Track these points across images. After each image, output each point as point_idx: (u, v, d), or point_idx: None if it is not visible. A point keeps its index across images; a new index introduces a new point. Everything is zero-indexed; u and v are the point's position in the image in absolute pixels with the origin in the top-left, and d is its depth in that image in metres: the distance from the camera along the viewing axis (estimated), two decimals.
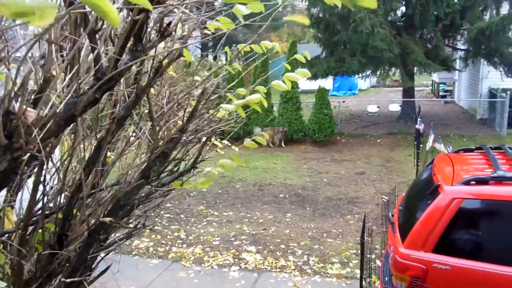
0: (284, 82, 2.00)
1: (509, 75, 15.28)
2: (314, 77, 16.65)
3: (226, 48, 2.78)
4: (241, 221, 8.44)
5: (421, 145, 10.42)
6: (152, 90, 2.29)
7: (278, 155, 13.89)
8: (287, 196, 9.90)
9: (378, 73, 17.60)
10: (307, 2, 15.99)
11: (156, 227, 8.21)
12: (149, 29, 1.24)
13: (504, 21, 12.87)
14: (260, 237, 7.63)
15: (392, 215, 5.09)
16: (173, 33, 1.33)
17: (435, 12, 13.90)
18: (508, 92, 15.10)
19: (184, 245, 7.43)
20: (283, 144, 14.97)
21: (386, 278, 4.50)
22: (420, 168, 9.46)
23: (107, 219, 1.48)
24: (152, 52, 1.34)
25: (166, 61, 1.38)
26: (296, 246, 7.24)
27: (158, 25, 1.27)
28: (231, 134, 2.67)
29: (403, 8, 16.15)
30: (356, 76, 18.59)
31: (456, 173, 4.29)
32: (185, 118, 1.66)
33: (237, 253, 7.05)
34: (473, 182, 3.88)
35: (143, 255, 7.14)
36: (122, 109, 1.41)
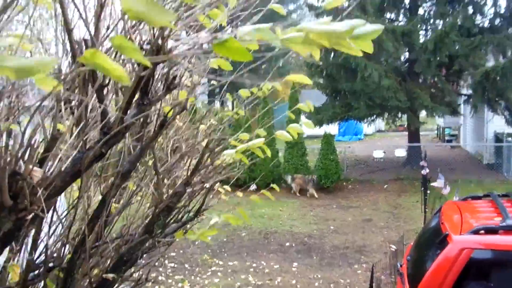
0: (289, 132, 2.02)
1: (511, 120, 15.36)
2: (320, 123, 16.78)
3: (228, 94, 2.82)
4: (247, 271, 8.24)
5: (428, 191, 10.30)
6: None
7: (284, 202, 13.75)
8: (293, 245, 9.71)
9: (384, 118, 17.74)
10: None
11: (160, 277, 8.02)
12: (155, 82, 1.28)
13: (509, 65, 13.08)
14: None
15: (401, 266, 4.96)
16: (179, 85, 1.36)
17: (437, 58, 14.17)
18: None
19: None
20: (315, 194, 14.14)
21: None
22: (428, 214, 9.30)
23: (110, 276, 1.46)
24: (158, 105, 1.37)
25: (171, 113, 1.41)
26: None
27: (164, 78, 1.30)
28: (235, 179, 2.67)
29: (406, 54, 16.49)
30: (363, 121, 18.71)
31: (465, 222, 4.22)
32: (190, 170, 1.67)
33: None
34: (482, 232, 3.80)
35: None
36: (127, 163, 1.42)
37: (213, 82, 2.26)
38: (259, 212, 12.50)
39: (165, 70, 1.29)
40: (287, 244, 9.79)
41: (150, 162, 2.01)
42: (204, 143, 1.78)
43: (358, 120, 17.69)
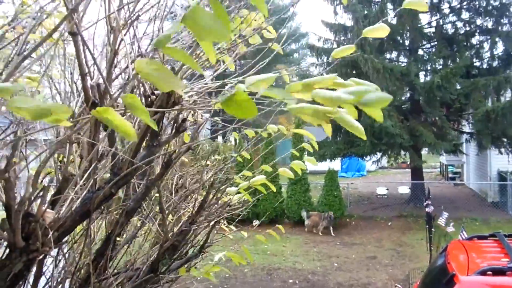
0: (292, 168, 2.04)
1: None
2: (322, 158, 16.82)
3: (234, 133, 2.87)
4: None
5: (433, 229, 10.18)
6: None
7: (287, 238, 13.58)
8: (297, 282, 9.54)
9: (387, 155, 17.77)
10: None
11: None
12: (165, 125, 1.32)
13: (508, 105, 13.22)
14: None
15: None
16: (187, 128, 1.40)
17: (438, 98, 14.36)
18: None
19: None
20: (332, 231, 13.91)
21: None
22: (433, 253, 9.16)
23: None
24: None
25: (176, 152, 1.44)
26: None
27: (173, 121, 1.34)
28: (240, 216, 2.67)
29: (407, 94, 16.72)
30: (366, 158, 18.73)
31: (471, 262, 4.15)
32: (195, 208, 1.68)
33: None
34: (489, 272, 3.74)
35: None
36: (132, 201, 1.44)
37: (216, 118, 2.31)
38: (262, 248, 12.33)
39: (174, 113, 1.34)
40: (291, 281, 9.61)
41: (154, 199, 2.04)
42: (208, 181, 1.80)
43: (360, 157, 17.72)
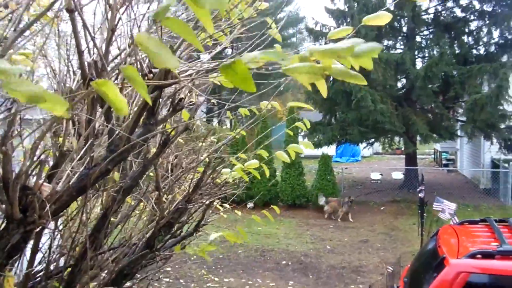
0: (288, 152, 2.05)
1: (504, 151, 15.45)
2: (318, 145, 16.89)
3: (228, 113, 2.87)
4: None
5: (425, 214, 10.30)
6: None
7: (281, 221, 13.70)
8: (290, 263, 9.66)
9: (381, 141, 17.84)
10: None
11: None
12: (162, 103, 1.32)
13: (492, 94, 13.22)
14: None
15: (398, 287, 4.95)
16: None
17: (430, 85, 14.35)
18: (511, 163, 15.15)
19: None
20: (350, 217, 13.69)
21: None
22: (425, 238, 9.29)
23: None
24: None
25: (173, 132, 1.45)
26: None
27: (171, 99, 1.34)
28: (234, 196, 2.70)
29: (403, 80, 16.70)
30: (360, 144, 18.82)
31: (462, 246, 4.23)
32: (191, 187, 1.70)
33: None
34: (479, 256, 3.82)
35: None
36: (129, 179, 1.45)
37: (212, 101, 2.31)
38: (256, 230, 12.44)
39: (172, 91, 1.34)
40: (283, 262, 9.73)
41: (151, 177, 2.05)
42: (205, 161, 1.81)
43: (354, 143, 17.79)
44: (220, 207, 2.73)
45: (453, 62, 14.67)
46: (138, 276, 2.28)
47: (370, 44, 0.84)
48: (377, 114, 14.03)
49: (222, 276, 8.86)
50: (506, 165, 15.36)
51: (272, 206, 2.35)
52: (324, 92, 0.93)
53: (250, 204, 12.38)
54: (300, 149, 1.85)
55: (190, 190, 1.69)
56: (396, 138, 18.24)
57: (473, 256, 3.82)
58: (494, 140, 15.59)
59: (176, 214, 1.66)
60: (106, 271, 1.59)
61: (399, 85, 16.92)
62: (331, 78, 17.34)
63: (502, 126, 14.70)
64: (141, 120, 1.26)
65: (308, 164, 17.27)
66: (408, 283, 4.68)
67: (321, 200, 13.99)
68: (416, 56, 16.48)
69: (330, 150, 16.97)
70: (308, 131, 17.36)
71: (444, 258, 4.00)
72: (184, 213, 1.73)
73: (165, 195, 1.78)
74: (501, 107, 13.86)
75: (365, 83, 0.90)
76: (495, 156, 16.96)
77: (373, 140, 18.20)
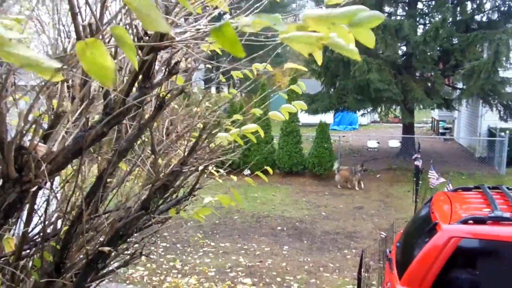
0: (282, 113, 2.05)
1: (505, 117, 15.45)
2: (315, 112, 16.88)
3: (221, 76, 2.85)
4: (238, 253, 8.37)
5: (420, 182, 10.43)
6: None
7: (277, 188, 13.87)
8: (285, 229, 9.84)
9: (379, 110, 17.80)
10: None
11: (152, 256, 8.14)
12: (157, 66, 1.31)
13: (489, 61, 13.10)
14: (256, 269, 7.55)
15: (390, 252, 5.07)
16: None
17: (429, 53, 14.19)
18: (507, 132, 15.22)
19: (179, 275, 7.35)
20: (362, 185, 13.66)
21: None
22: (419, 204, 9.44)
23: (106, 249, 1.51)
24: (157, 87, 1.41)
25: (169, 95, 1.45)
26: (292, 279, 7.15)
27: (166, 63, 1.33)
28: (230, 163, 2.72)
29: (403, 48, 16.49)
30: (357, 112, 18.80)
31: (454, 212, 4.30)
32: (186, 150, 1.71)
33: (233, 285, 6.96)
34: (471, 222, 3.90)
35: (137, 284, 7.05)
36: (124, 141, 1.46)
37: (208, 66, 2.28)
38: (252, 196, 12.61)
39: (167, 55, 1.33)
40: (279, 228, 9.91)
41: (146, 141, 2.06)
42: (200, 125, 1.81)
43: (352, 111, 17.76)
44: (215, 173, 2.75)
45: (453, 30, 14.48)
46: (134, 239, 2.33)
47: (371, 12, 0.78)
48: (375, 82, 13.95)
49: (218, 241, 9.03)
50: (502, 133, 15.43)
51: (266, 167, 2.34)
52: (319, 61, 0.92)
53: (246, 171, 12.50)
54: (293, 109, 1.85)
55: (186, 154, 1.71)
56: (394, 107, 18.19)
57: (465, 221, 3.90)
58: (493, 108, 15.57)
59: (172, 176, 1.68)
60: (102, 233, 1.62)
61: (399, 52, 16.72)
62: (330, 47, 17.29)
63: (502, 91, 14.63)
64: (137, 83, 1.26)
65: (305, 132, 17.32)
66: (400, 248, 4.79)
67: (335, 168, 14.02)
68: (418, 24, 16.21)
69: (328, 118, 16.96)
70: (308, 102, 17.32)
71: (437, 224, 4.08)
72: (179, 175, 1.75)
73: (160, 159, 1.80)
74: (499, 74, 13.75)
75: (359, 58, 0.88)
76: (492, 125, 17.02)
77: (371, 108, 18.16)
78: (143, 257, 8.18)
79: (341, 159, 16.99)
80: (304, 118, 18.63)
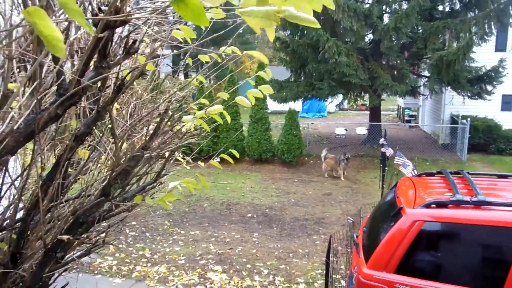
0: (248, 98, 2.03)
1: (471, 97, 15.93)
2: (284, 100, 16.94)
3: (189, 59, 2.79)
4: (208, 240, 8.35)
5: (386, 168, 10.66)
6: (116, 105, 2.28)
7: (247, 175, 13.89)
8: (255, 216, 9.88)
9: (347, 96, 18.01)
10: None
11: (120, 245, 8.01)
12: (115, 45, 1.25)
13: (460, 51, 13.46)
14: (226, 257, 7.56)
15: (357, 236, 5.16)
16: (139, 50, 1.34)
17: (395, 40, 14.42)
18: (469, 119, 15.75)
19: (149, 264, 7.27)
20: (342, 175, 13.47)
21: None
22: (385, 190, 9.65)
23: (65, 237, 1.45)
24: (116, 69, 1.35)
25: (129, 77, 1.39)
26: (262, 266, 7.21)
27: (124, 42, 1.28)
28: (199, 151, 2.68)
29: (371, 35, 16.67)
30: (327, 100, 18.96)
31: (418, 196, 4.41)
32: (148, 135, 1.66)
33: (203, 272, 6.95)
34: (433, 205, 4.00)
35: (106, 274, 6.94)
36: (82, 125, 1.39)
37: (175, 51, 2.22)
38: (222, 184, 12.59)
39: (125, 34, 1.27)
40: (249, 215, 9.94)
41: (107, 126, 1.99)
42: (163, 107, 1.76)
43: (321, 99, 17.90)
44: (182, 160, 2.71)
45: (418, 19, 14.74)
46: (102, 228, 2.27)
47: None
48: (343, 66, 14.06)
49: (188, 229, 8.98)
50: (464, 121, 15.94)
51: (230, 150, 2.30)
52: (271, 37, 0.90)
53: (216, 159, 12.46)
54: (259, 94, 1.83)
55: (147, 138, 1.65)
56: (362, 94, 18.47)
57: (428, 205, 4.00)
58: (458, 93, 16.02)
59: (133, 162, 1.63)
60: (63, 222, 1.55)
61: (366, 39, 16.90)
62: (299, 33, 17.18)
63: (466, 80, 15.06)
64: (93, 63, 1.20)
65: (274, 120, 17.38)
66: (367, 233, 4.89)
67: (323, 154, 14.03)
68: (384, 12, 16.42)
69: (297, 105, 17.06)
70: (276, 89, 17.32)
71: (401, 208, 4.17)
72: (140, 161, 1.70)
73: (125, 144, 1.74)
74: (466, 64, 14.16)
75: (318, 25, 0.87)
76: (455, 112, 17.56)
77: (339, 95, 18.35)
78: (111, 247, 7.99)
79: (310, 146, 17.18)
80: (273, 105, 18.67)
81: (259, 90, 1.86)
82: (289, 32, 16.56)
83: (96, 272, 6.99)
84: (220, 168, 2.00)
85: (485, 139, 16.54)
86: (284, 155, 14.60)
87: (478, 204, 3.90)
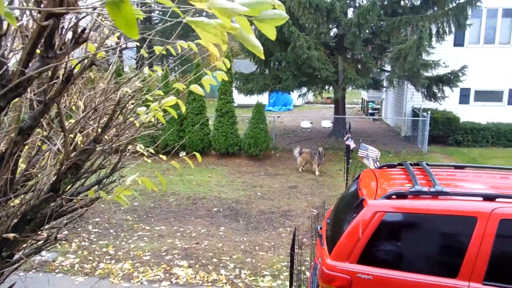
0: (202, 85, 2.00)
1: (428, 98, 16.41)
2: (250, 92, 16.95)
3: (142, 50, 2.73)
4: (174, 236, 8.27)
5: (350, 160, 10.85)
6: (75, 97, 2.20)
7: (213, 169, 13.83)
8: (221, 210, 9.86)
9: (313, 89, 18.16)
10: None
11: (83, 243, 7.82)
12: (63, 34, 1.19)
13: (415, 45, 13.81)
14: (192, 251, 7.51)
15: (321, 228, 5.23)
16: (88, 39, 1.28)
17: (362, 34, 14.65)
18: (429, 112, 16.24)
19: (113, 261, 7.13)
20: (317, 170, 13.40)
21: None
22: (349, 182, 9.82)
23: (11, 235, 1.38)
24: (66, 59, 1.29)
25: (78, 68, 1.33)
26: (229, 259, 7.21)
27: (72, 31, 1.22)
28: (159, 144, 2.63)
29: (335, 29, 16.88)
30: (292, 93, 19.09)
31: (379, 188, 4.50)
32: (99, 125, 1.60)
33: (168, 268, 6.88)
34: (394, 196, 4.09)
35: (67, 272, 6.75)
36: (29, 118, 1.33)
37: (137, 46, 2.16)
38: (188, 178, 12.48)
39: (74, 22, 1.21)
40: (215, 209, 9.91)
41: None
42: (115, 97, 1.71)
43: (287, 92, 17.99)
44: (143, 151, 2.65)
45: (381, 13, 15.03)
46: (55, 225, 2.19)
47: (276, 11, 0.81)
48: (314, 60, 14.16)
49: (153, 225, 8.87)
50: (425, 114, 16.43)
51: (184, 151, 2.28)
52: (224, 47, 0.88)
53: (182, 153, 12.32)
54: (213, 81, 1.81)
55: (100, 130, 1.60)
56: (327, 87, 18.69)
57: (388, 197, 4.10)
58: (418, 89, 16.44)
59: (84, 155, 1.57)
60: (12, 218, 1.49)
61: (331, 34, 17.09)
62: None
63: (425, 74, 15.46)
64: (38, 52, 1.14)
65: (241, 113, 17.36)
66: (330, 224, 4.96)
67: (295, 152, 14.01)
68: (347, 5, 16.63)
69: (263, 99, 17.08)
70: (242, 82, 17.29)
71: (363, 200, 4.25)
72: (92, 154, 1.65)
73: (76, 137, 1.67)
74: (422, 57, 14.50)
75: (263, 56, 0.88)
76: (416, 105, 18.07)
77: (305, 88, 18.50)
78: (74, 244, 7.75)
79: (276, 139, 17.28)
80: (240, 99, 18.64)
81: (215, 76, 1.84)
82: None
83: (57, 271, 6.80)
84: (180, 169, 1.97)
85: (444, 131, 17.11)
86: (251, 149, 14.61)
87: (436, 195, 4.02)
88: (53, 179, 1.51)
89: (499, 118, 17.89)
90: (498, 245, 3.73)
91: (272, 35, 0.80)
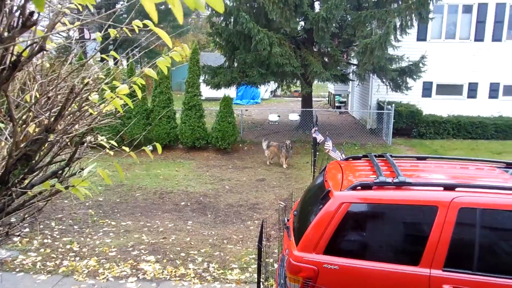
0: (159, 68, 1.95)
1: (394, 89, 16.77)
2: (218, 86, 16.85)
3: (96, 34, 2.66)
4: (140, 230, 8.13)
5: (317, 153, 10.97)
6: (31, 84, 2.10)
7: (180, 163, 13.68)
8: (189, 204, 9.77)
9: (280, 83, 18.23)
10: (209, 11, 16.05)
11: (45, 240, 7.58)
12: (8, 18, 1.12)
13: (381, 39, 14.08)
14: (159, 246, 7.41)
15: (288, 220, 5.25)
16: (37, 23, 1.21)
17: (329, 28, 14.78)
18: (393, 105, 16.61)
19: (77, 258, 6.95)
20: (284, 163, 13.45)
21: (282, 281, 4.62)
22: (316, 174, 9.92)
23: None
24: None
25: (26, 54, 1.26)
26: (197, 253, 7.15)
27: (20, 13, 1.15)
28: (130, 139, 2.56)
29: (302, 23, 16.96)
30: (260, 86, 19.08)
31: (345, 179, 4.56)
32: (52, 115, 1.53)
33: (135, 263, 6.76)
34: (359, 188, 4.15)
35: (29, 271, 6.53)
36: None
37: (100, 37, 2.09)
38: (155, 172, 12.30)
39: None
40: (182, 203, 9.81)
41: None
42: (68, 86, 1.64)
43: (254, 86, 18.00)
44: (106, 144, 2.57)
45: (348, 7, 15.19)
46: (5, 220, 2.10)
47: None
48: (276, 56, 14.19)
49: (119, 220, 8.69)
50: (389, 107, 16.79)
51: (147, 147, 2.23)
52: (179, 19, 0.85)
53: (149, 147, 12.10)
54: (167, 62, 1.78)
55: (52, 119, 1.52)
56: (295, 81, 18.80)
57: (354, 188, 4.15)
58: (383, 82, 16.76)
59: (35, 146, 1.49)
60: None
61: (299, 28, 17.16)
62: (232, 20, 17.14)
63: (391, 68, 15.78)
64: None
65: (208, 107, 17.22)
66: (297, 216, 4.99)
67: (264, 145, 13.96)
68: (314, 0, 16.74)
69: (231, 92, 17.01)
70: (210, 76, 17.14)
71: (329, 191, 4.29)
72: (43, 144, 1.57)
73: (28, 127, 1.59)
74: (388, 51, 14.79)
75: (222, 10, 0.84)
76: (381, 98, 18.45)
77: (272, 82, 18.54)
78: (35, 242, 7.51)
79: (244, 133, 17.26)
80: (207, 92, 18.49)
81: (171, 56, 1.79)
82: (222, 18, 16.39)
83: (18, 269, 6.57)
84: (137, 160, 1.91)
85: (408, 123, 17.55)
86: (219, 143, 14.54)
87: (399, 185, 4.11)
88: (1, 171, 1.42)
89: (459, 111, 18.52)
90: (457, 232, 3.85)
91: (220, 7, 0.77)
